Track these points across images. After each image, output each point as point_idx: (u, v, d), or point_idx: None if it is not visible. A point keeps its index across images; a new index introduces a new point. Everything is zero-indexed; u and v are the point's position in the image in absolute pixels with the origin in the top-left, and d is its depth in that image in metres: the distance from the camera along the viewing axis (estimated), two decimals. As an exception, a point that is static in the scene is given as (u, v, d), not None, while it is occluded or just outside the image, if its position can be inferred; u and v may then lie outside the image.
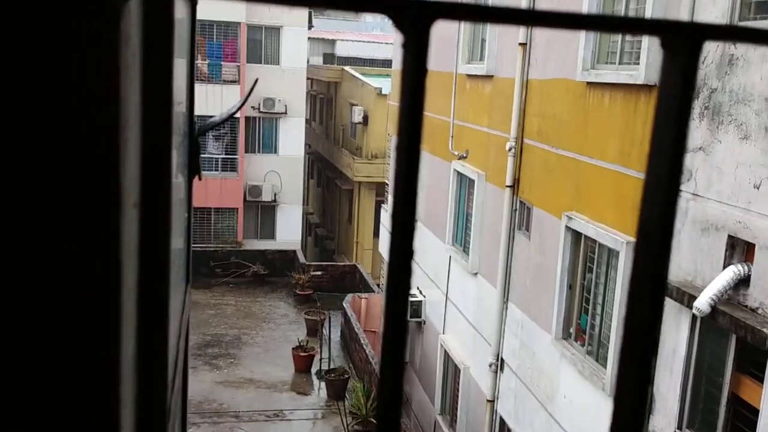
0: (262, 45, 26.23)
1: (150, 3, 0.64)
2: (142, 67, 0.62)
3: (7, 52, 0.45)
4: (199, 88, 24.58)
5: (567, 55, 9.01)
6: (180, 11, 1.25)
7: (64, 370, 0.52)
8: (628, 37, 8.07)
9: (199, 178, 1.60)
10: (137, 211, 0.63)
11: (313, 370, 17.63)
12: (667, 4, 7.14)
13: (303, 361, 17.57)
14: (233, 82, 25.30)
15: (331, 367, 17.15)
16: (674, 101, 0.43)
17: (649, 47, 7.31)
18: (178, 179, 1.28)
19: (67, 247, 0.49)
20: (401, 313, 0.41)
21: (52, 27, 0.45)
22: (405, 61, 0.38)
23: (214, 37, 25.44)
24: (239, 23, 25.28)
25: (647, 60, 7.33)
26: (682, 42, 0.43)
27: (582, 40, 8.58)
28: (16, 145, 0.47)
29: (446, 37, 13.33)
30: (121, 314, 0.55)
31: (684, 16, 6.80)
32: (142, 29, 0.61)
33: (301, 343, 17.86)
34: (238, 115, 25.21)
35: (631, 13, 7.99)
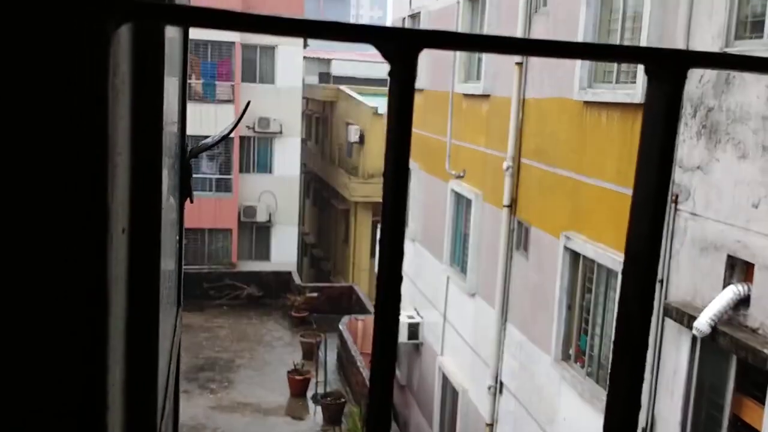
0: (257, 64, 26.31)
1: (140, 31, 0.62)
2: (132, 92, 0.61)
3: None
4: (193, 107, 24.60)
5: (563, 74, 9.01)
6: (171, 31, 1.21)
7: (50, 396, 0.51)
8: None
9: (191, 201, 1.55)
10: (126, 236, 0.61)
11: (309, 394, 17.45)
12: (663, 24, 7.14)
13: (298, 385, 17.39)
14: (228, 101, 25.33)
15: (327, 391, 16.97)
16: (659, 128, 0.43)
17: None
18: (169, 201, 1.24)
19: (53, 271, 0.49)
20: (392, 331, 0.42)
21: (41, 54, 0.44)
22: (391, 89, 0.38)
23: (209, 56, 25.52)
24: (234, 43, 25.37)
25: (644, 79, 7.32)
26: (667, 70, 0.43)
27: (578, 60, 8.58)
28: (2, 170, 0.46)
29: (442, 57, 13.37)
30: (108, 340, 0.54)
31: (680, 35, 6.80)
32: (132, 56, 0.60)
33: (297, 367, 17.69)
34: (232, 135, 25.21)
35: (627, 33, 8.01)
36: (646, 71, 0.45)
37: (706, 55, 0.47)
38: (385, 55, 0.37)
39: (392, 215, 0.38)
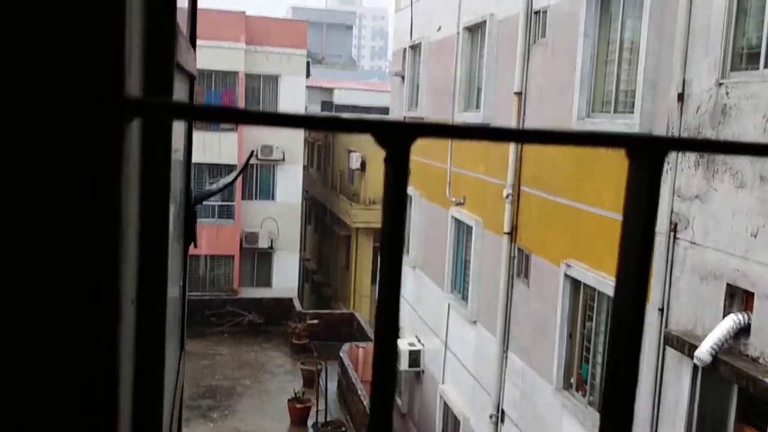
0: (260, 93, 26.54)
1: (149, 124, 0.66)
2: (142, 173, 0.64)
3: (18, 163, 0.47)
4: (197, 135, 24.60)
5: (562, 103, 9.11)
6: (178, 91, 1.27)
7: None
8: (622, 86, 8.17)
9: (195, 246, 1.59)
10: (134, 307, 0.64)
11: (310, 422, 17.31)
12: (660, 55, 7.25)
13: (299, 414, 17.27)
14: (231, 130, 25.50)
15: (328, 419, 16.85)
16: (640, 208, 0.46)
17: (644, 96, 7.39)
18: (173, 248, 1.27)
19: (65, 348, 0.50)
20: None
21: (60, 152, 0.47)
22: (387, 173, 0.42)
23: (213, 85, 25.75)
24: (237, 72, 25.62)
25: (642, 108, 7.41)
26: (646, 153, 0.46)
27: (577, 88, 8.69)
28: (22, 247, 0.49)
29: (443, 86, 13.51)
30: (118, 407, 0.54)
31: (677, 67, 6.89)
32: (142, 139, 0.63)
33: (297, 395, 17.58)
34: (235, 162, 25.33)
35: (625, 64, 8.11)
36: (627, 155, 0.48)
37: (685, 141, 0.51)
38: (382, 144, 0.41)
39: (387, 302, 0.41)
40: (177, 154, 1.28)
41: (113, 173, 0.47)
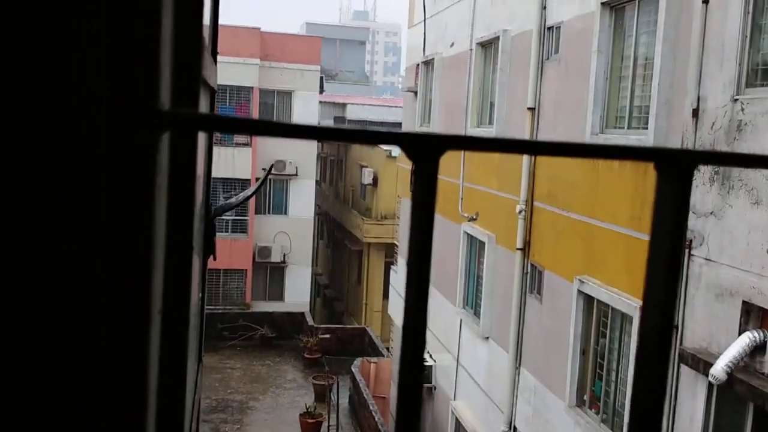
0: (274, 108, 26.70)
1: (176, 136, 0.67)
2: (170, 184, 0.65)
3: (55, 174, 0.48)
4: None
5: (575, 119, 9.10)
6: (203, 104, 1.28)
7: None
8: (636, 102, 8.16)
9: (214, 259, 1.60)
10: (160, 317, 0.65)
11: (321, 436, 17.25)
12: (674, 72, 7.24)
13: (310, 428, 17.21)
14: (245, 144, 25.65)
15: (340, 433, 16.77)
16: (668, 223, 0.45)
17: (658, 112, 7.37)
18: (194, 262, 1.28)
19: (97, 356, 0.51)
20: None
21: (92, 160, 0.48)
22: (415, 185, 0.42)
23: (227, 101, 25.94)
24: (252, 88, 25.80)
25: (656, 124, 7.39)
26: (675, 167, 0.45)
27: (590, 104, 8.68)
28: (56, 258, 0.49)
29: (456, 102, 13.54)
30: (146, 417, 0.54)
31: (691, 83, 6.87)
32: (170, 151, 0.64)
33: (309, 409, 17.53)
34: (249, 176, 25.45)
35: (639, 80, 8.10)
36: (655, 168, 0.47)
37: (713, 154, 0.50)
38: (410, 156, 0.41)
39: (414, 316, 0.41)
40: (198, 167, 1.30)
41: (147, 185, 0.48)
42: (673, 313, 0.49)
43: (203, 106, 1.22)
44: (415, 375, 0.42)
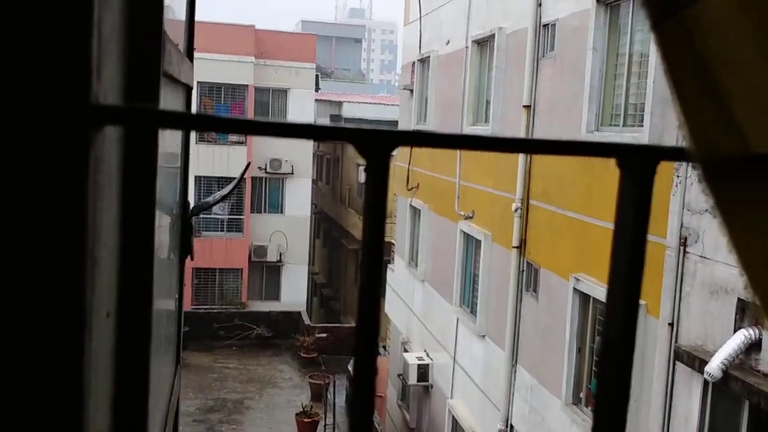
0: (270, 107, 26.66)
1: (131, 133, 0.64)
2: (123, 180, 0.63)
3: None
4: (206, 149, 24.89)
5: (571, 117, 9.09)
6: (173, 103, 1.26)
7: None
8: (631, 100, 8.15)
9: (191, 258, 1.58)
10: (112, 319, 0.62)
11: (318, 435, 17.24)
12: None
13: (307, 427, 17.21)
14: (240, 143, 25.61)
15: (339, 432, 16.77)
16: (631, 219, 0.45)
17: (653, 110, 7.37)
18: (167, 261, 1.26)
19: (25, 363, 0.49)
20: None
21: (19, 158, 0.46)
22: (367, 181, 0.41)
23: (222, 99, 25.89)
24: (247, 86, 25.76)
25: (651, 121, 7.38)
26: (636, 163, 0.45)
27: (586, 101, 8.68)
28: None
29: (452, 100, 13.53)
30: (84, 424, 0.52)
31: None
32: (122, 147, 0.62)
33: (305, 409, 17.53)
34: (245, 176, 25.39)
35: (634, 78, 8.09)
36: (618, 164, 0.47)
37: (676, 150, 0.49)
38: (361, 152, 0.40)
39: (367, 312, 0.40)
40: (172, 165, 1.27)
41: (78, 180, 0.46)
42: (637, 309, 0.48)
43: (175, 103, 1.20)
44: (369, 369, 0.41)
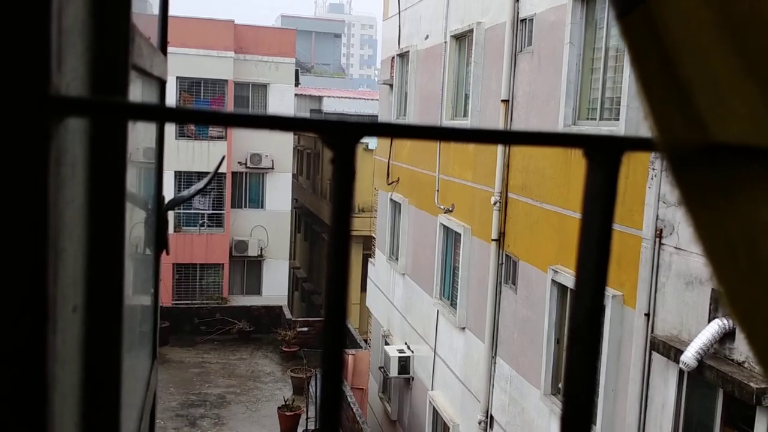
0: (249, 101, 26.52)
1: (98, 126, 0.64)
2: (89, 172, 0.62)
3: None
4: (186, 144, 24.74)
5: (548, 111, 9.16)
6: (147, 97, 1.26)
7: None
8: (608, 93, 8.23)
9: (167, 253, 1.59)
10: (79, 313, 0.62)
11: (300, 429, 17.26)
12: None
13: (289, 421, 17.22)
14: (220, 138, 25.47)
15: (318, 426, 16.78)
16: (598, 208, 0.46)
17: (629, 103, 7.45)
18: (144, 255, 1.27)
19: None
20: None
21: None
22: (333, 174, 0.41)
23: (202, 94, 25.72)
24: (226, 80, 25.61)
25: (627, 115, 7.47)
26: (604, 153, 0.46)
27: (563, 95, 8.74)
28: None
29: (431, 94, 13.56)
30: (48, 421, 0.52)
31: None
32: (88, 138, 0.61)
33: (287, 402, 17.53)
34: (224, 170, 25.30)
35: (610, 72, 8.17)
36: (584, 154, 0.48)
37: (642, 141, 0.50)
38: (327, 144, 0.41)
39: (335, 299, 0.41)
40: (146, 159, 1.28)
41: (38, 171, 0.46)
42: (603, 298, 0.49)
43: (146, 98, 1.21)
44: (337, 359, 0.42)
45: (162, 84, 1.55)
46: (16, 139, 0.45)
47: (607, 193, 0.47)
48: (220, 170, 24.93)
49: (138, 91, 0.99)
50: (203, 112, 0.39)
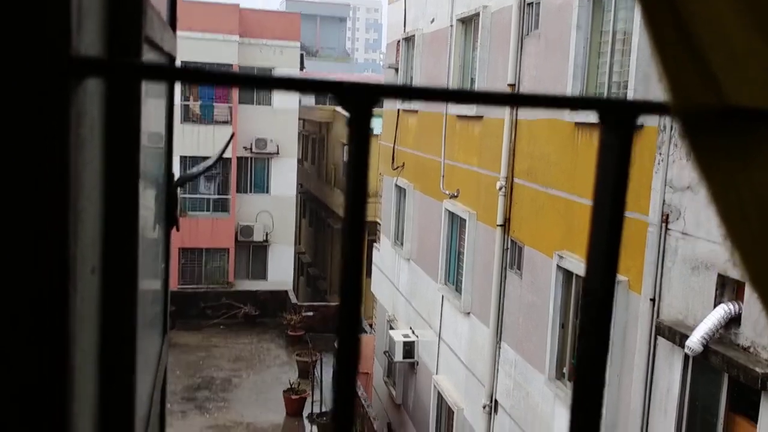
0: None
1: (113, 84, 0.65)
2: (105, 135, 0.63)
3: None
4: (191, 128, 24.72)
5: (555, 94, 9.11)
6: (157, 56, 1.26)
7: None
8: (615, 77, 8.18)
9: (177, 229, 1.60)
10: (97, 275, 0.63)
11: (305, 413, 17.37)
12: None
13: (294, 404, 17.32)
14: (225, 122, 25.45)
15: (324, 410, 16.90)
16: (611, 173, 0.45)
17: (635, 87, 7.40)
18: (155, 231, 1.27)
19: (9, 315, 0.50)
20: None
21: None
22: (350, 135, 0.41)
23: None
24: (231, 65, 25.54)
25: (634, 98, 7.38)
26: (617, 118, 0.45)
27: (570, 79, 8.70)
28: None
29: (437, 78, 13.50)
30: (71, 383, 0.53)
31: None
32: (105, 101, 0.62)
33: (293, 386, 17.63)
34: (230, 155, 25.29)
35: (617, 55, 8.12)
36: (600, 119, 0.47)
37: (656, 104, 0.50)
38: (344, 106, 0.41)
39: (350, 265, 0.41)
40: (156, 136, 1.28)
41: (60, 131, 0.47)
42: (615, 270, 0.49)
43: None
44: (353, 328, 0.42)
45: (172, 60, 1.55)
46: (39, 99, 0.45)
47: (621, 157, 0.46)
48: (225, 155, 24.92)
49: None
50: (216, 73, 0.39)
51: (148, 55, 0.94)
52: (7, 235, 0.48)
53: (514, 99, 0.46)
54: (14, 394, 0.50)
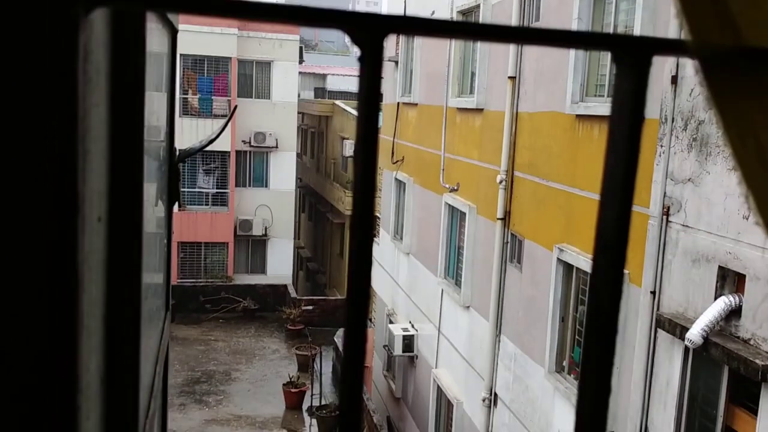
0: (253, 79, 26.42)
1: (119, 21, 0.63)
2: (110, 81, 0.62)
3: None
4: (190, 122, 24.68)
5: (556, 88, 9.10)
6: (159, 43, 1.25)
7: (14, 384, 0.51)
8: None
9: (179, 206, 1.59)
10: (103, 225, 0.62)
11: (305, 406, 17.39)
12: (655, 13, 7.23)
13: (294, 398, 17.34)
14: (224, 116, 25.39)
15: (323, 403, 16.93)
16: (626, 115, 0.44)
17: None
18: (158, 206, 1.26)
19: (19, 254, 0.49)
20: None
21: (5, 37, 0.46)
22: (361, 71, 0.40)
23: (205, 71, 25.61)
24: (230, 58, 25.48)
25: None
26: (632, 55, 0.44)
27: (570, 73, 8.67)
28: None
29: (436, 71, 13.47)
30: (78, 328, 0.53)
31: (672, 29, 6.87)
32: (110, 45, 0.61)
33: (292, 379, 17.65)
34: (228, 149, 25.24)
35: (622, 17, 8.08)
36: (613, 58, 0.46)
37: (673, 42, 0.48)
38: (355, 40, 0.39)
39: (361, 222, 0.40)
40: (158, 115, 1.26)
41: (68, 63, 0.46)
42: (628, 231, 0.48)
43: (163, 45, 1.19)
44: (362, 294, 0.41)
45: (174, 33, 1.54)
46: (48, 28, 0.44)
47: (636, 97, 0.45)
48: (222, 149, 24.86)
49: (153, 36, 0.97)
50: (231, 3, 0.37)
51: (151, 25, 0.92)
52: (13, 171, 0.47)
53: (529, 34, 0.44)
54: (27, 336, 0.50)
